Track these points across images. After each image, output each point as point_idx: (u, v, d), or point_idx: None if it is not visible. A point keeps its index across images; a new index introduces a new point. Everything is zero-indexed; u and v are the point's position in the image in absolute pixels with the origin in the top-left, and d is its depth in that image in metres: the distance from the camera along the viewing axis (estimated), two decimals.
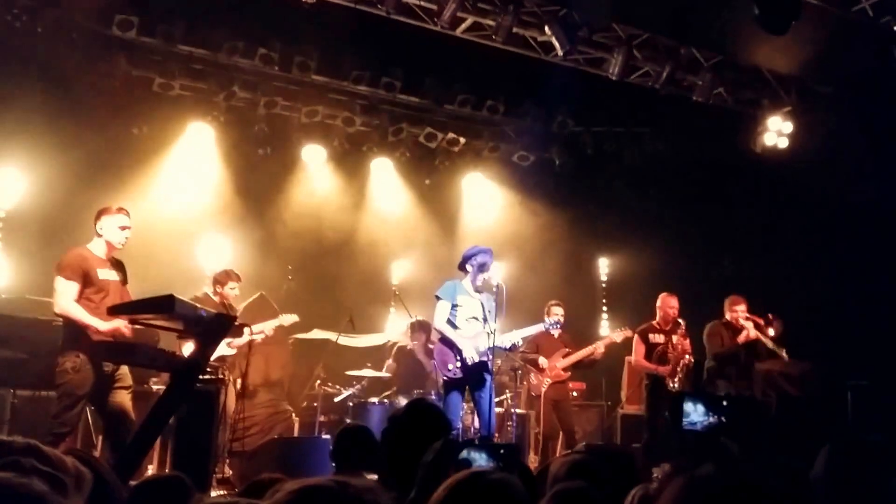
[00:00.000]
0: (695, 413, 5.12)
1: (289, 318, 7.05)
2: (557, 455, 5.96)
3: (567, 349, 7.64)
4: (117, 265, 5.27)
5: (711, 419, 5.07)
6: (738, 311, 7.22)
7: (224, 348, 6.51)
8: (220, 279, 6.81)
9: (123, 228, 5.16)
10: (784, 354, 7.07)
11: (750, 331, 7.07)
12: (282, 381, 7.90)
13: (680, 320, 7.30)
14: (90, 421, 5.67)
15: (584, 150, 9.63)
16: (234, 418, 6.65)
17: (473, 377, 6.09)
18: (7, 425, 5.76)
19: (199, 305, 4.98)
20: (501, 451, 2.64)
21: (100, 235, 5.13)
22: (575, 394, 8.36)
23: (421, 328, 7.90)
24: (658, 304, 7.45)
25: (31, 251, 7.07)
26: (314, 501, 1.13)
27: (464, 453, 2.59)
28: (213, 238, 8.35)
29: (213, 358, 6.40)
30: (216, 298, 6.67)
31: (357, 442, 3.80)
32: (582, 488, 2.28)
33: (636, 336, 7.42)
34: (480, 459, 2.60)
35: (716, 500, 1.20)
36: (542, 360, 7.52)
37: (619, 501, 2.27)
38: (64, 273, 4.96)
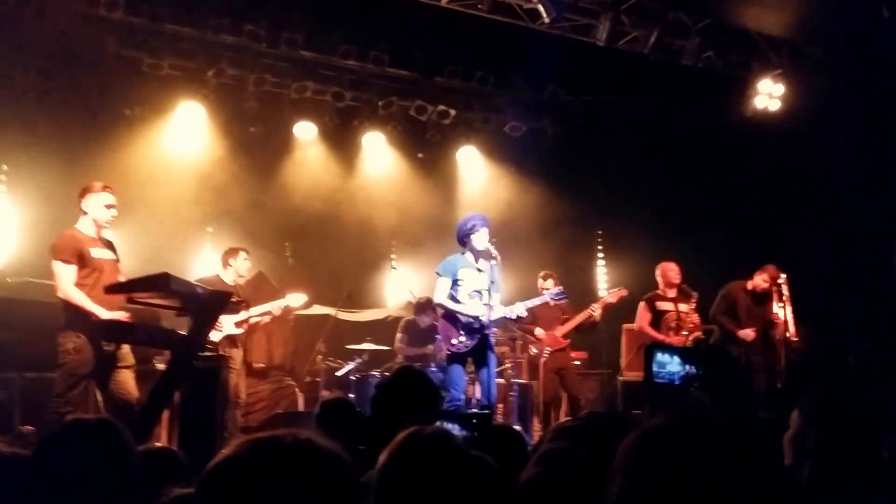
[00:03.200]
0: (671, 364, 5.18)
1: (297, 299, 6.96)
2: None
3: (565, 316, 7.66)
4: (109, 244, 5.28)
5: (689, 369, 5.13)
6: (761, 279, 7.18)
7: (231, 327, 6.57)
8: (230, 254, 6.82)
9: (109, 207, 5.16)
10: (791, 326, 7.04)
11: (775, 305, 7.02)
12: (284, 357, 7.96)
13: (693, 293, 7.29)
14: (98, 400, 5.73)
15: (575, 119, 9.64)
16: (243, 397, 6.74)
17: (475, 352, 6.09)
18: (17, 407, 5.83)
19: (194, 282, 5.06)
20: (474, 419, 2.67)
21: (85, 213, 5.13)
22: (577, 362, 8.41)
23: (423, 308, 7.84)
24: (658, 272, 7.44)
25: (30, 234, 7.09)
26: (261, 450, 1.16)
27: (436, 425, 2.62)
28: (209, 218, 8.38)
29: (220, 337, 6.53)
30: (229, 278, 6.70)
31: (339, 414, 3.80)
32: (566, 448, 2.33)
33: (642, 303, 7.40)
34: (453, 430, 2.65)
35: (664, 450, 1.17)
36: (539, 331, 7.52)
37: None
38: (60, 256, 4.98)
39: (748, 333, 7.14)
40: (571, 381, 7.67)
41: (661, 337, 7.18)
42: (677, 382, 4.67)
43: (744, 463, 1.15)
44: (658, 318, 7.28)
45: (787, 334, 7.01)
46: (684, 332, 7.17)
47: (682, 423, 1.20)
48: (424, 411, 2.83)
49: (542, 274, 7.68)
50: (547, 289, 7.39)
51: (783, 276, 7.07)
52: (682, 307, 7.27)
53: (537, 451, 2.29)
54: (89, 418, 1.88)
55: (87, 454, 1.91)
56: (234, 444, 1.20)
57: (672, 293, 7.34)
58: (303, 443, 1.18)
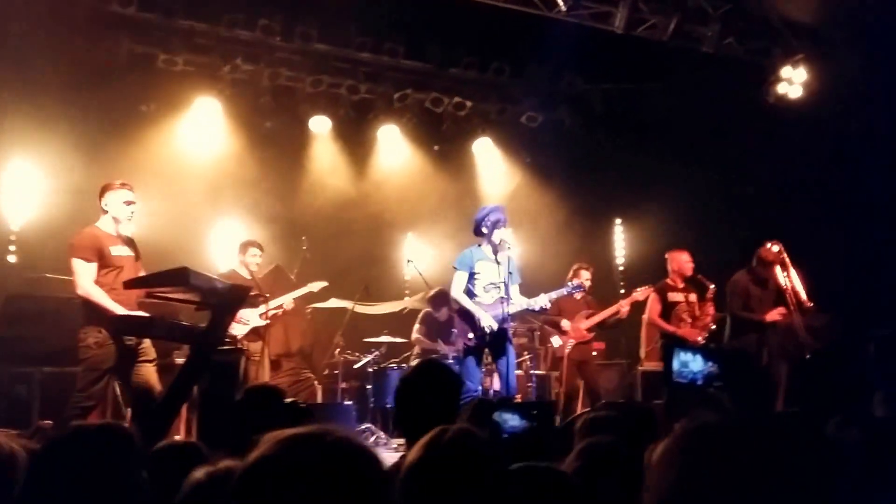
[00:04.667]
0: (693, 363, 5.08)
1: (318, 285, 7.11)
2: (579, 413, 5.98)
3: (590, 310, 7.62)
4: (129, 242, 5.27)
5: (711, 369, 5.02)
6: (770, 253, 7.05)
7: (257, 319, 6.62)
8: (240, 249, 6.89)
9: (128, 203, 5.15)
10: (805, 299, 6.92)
11: (779, 277, 6.88)
12: (302, 350, 7.98)
13: (709, 284, 7.18)
14: (119, 394, 5.76)
15: (593, 108, 9.54)
16: None
17: (494, 344, 6.05)
18: (37, 402, 5.87)
19: (213, 276, 5.05)
20: (534, 410, 2.64)
21: (105, 212, 5.13)
22: (595, 353, 8.37)
23: (438, 301, 7.83)
24: (669, 261, 7.35)
25: (48, 231, 7.13)
26: (299, 449, 1.15)
27: (495, 415, 2.60)
28: (226, 212, 8.41)
29: (247, 330, 6.58)
30: (245, 272, 6.75)
31: (263, 402, 3.64)
32: (610, 442, 2.30)
33: (653, 293, 7.33)
34: (513, 420, 2.62)
35: (716, 445, 1.16)
36: (565, 323, 7.49)
37: (640, 456, 2.28)
38: (80, 254, 4.97)
39: (774, 315, 6.97)
40: (591, 372, 7.64)
41: (671, 328, 7.11)
42: (700, 382, 4.59)
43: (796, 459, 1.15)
44: (669, 309, 7.21)
45: (800, 301, 6.85)
46: (698, 324, 7.09)
47: (731, 420, 1.22)
48: (483, 401, 2.80)
49: (577, 266, 7.59)
50: (586, 279, 7.34)
51: (777, 245, 6.92)
52: (692, 298, 7.19)
53: (580, 444, 2.30)
54: (90, 425, 1.81)
55: (87, 463, 1.84)
56: (272, 442, 1.18)
57: (682, 283, 7.26)
58: (343, 440, 1.17)
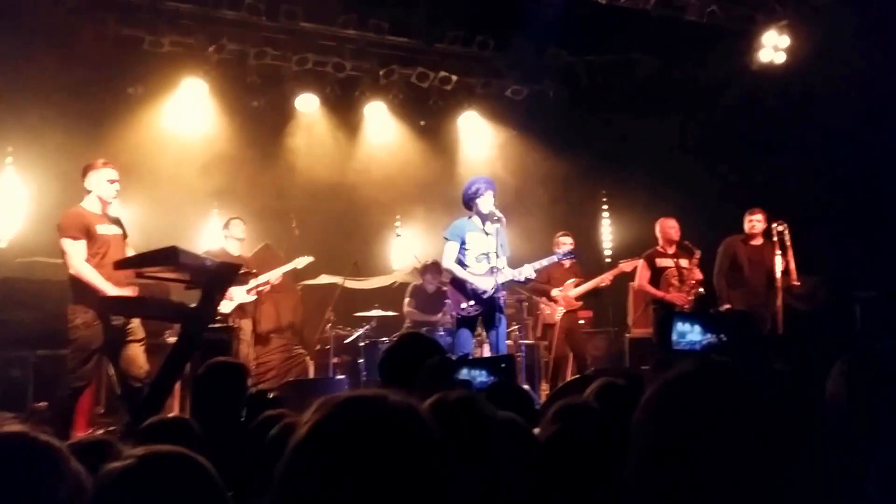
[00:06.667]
0: (692, 333, 5.09)
1: (304, 260, 7.23)
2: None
3: (578, 279, 7.73)
4: (116, 221, 5.34)
5: (711, 338, 5.02)
6: (752, 221, 7.22)
7: (243, 295, 6.72)
8: (224, 225, 7.01)
9: (112, 182, 5.20)
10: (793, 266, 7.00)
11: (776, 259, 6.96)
12: (293, 326, 8.10)
13: (695, 249, 7.29)
14: (111, 374, 5.86)
15: (577, 79, 9.56)
16: (253, 366, 6.88)
17: (485, 314, 6.14)
18: (31, 384, 5.94)
19: (202, 255, 5.13)
20: (502, 364, 2.68)
21: (89, 191, 5.19)
22: (582, 321, 8.49)
23: (428, 270, 7.97)
24: (657, 228, 7.45)
25: (37, 214, 7.19)
26: (357, 414, 1.14)
27: (463, 373, 2.59)
28: (215, 193, 8.47)
29: (233, 306, 6.68)
30: (233, 249, 6.85)
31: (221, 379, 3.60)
32: (582, 403, 2.36)
33: (642, 261, 7.42)
34: (481, 376, 2.67)
35: (694, 392, 1.08)
36: (555, 291, 7.61)
37: (628, 419, 2.32)
38: (68, 233, 5.03)
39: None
40: (578, 340, 7.77)
41: (660, 294, 7.21)
42: (700, 350, 4.59)
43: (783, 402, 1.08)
44: (658, 275, 7.29)
45: (792, 282, 6.97)
46: (678, 288, 7.17)
47: (713, 364, 1.12)
48: (445, 360, 2.82)
49: (559, 234, 7.73)
50: (566, 245, 7.47)
51: (783, 226, 6.98)
52: (683, 263, 7.28)
53: (551, 408, 2.31)
54: (165, 451, 1.52)
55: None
56: (327, 405, 1.15)
57: (671, 249, 7.35)
58: (404, 404, 1.16)
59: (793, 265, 6.98)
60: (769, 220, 7.14)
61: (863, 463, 1.55)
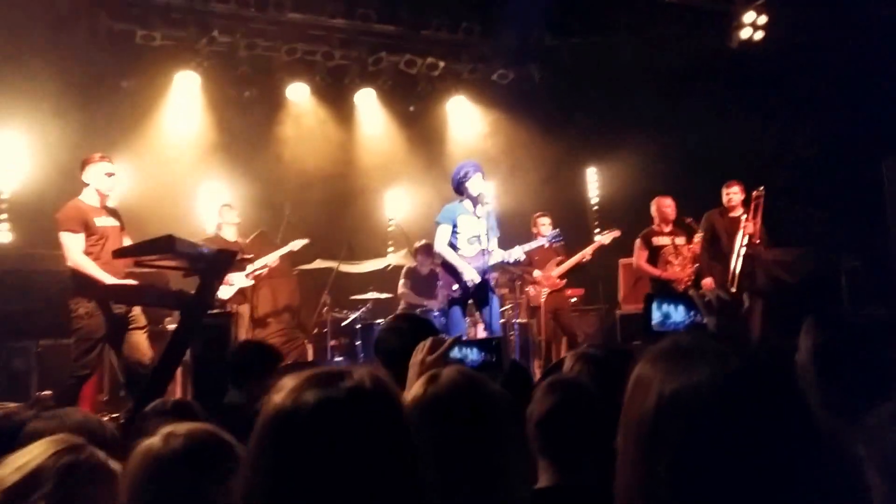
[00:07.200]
0: (676, 314, 5.26)
1: (299, 242, 7.37)
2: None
3: (560, 258, 7.84)
4: (113, 213, 5.46)
5: (696, 318, 5.20)
6: (730, 194, 7.23)
7: (242, 280, 6.89)
8: (217, 214, 7.16)
9: (109, 175, 5.32)
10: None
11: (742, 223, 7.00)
12: (290, 310, 8.26)
13: (697, 228, 7.32)
14: (112, 362, 6.03)
15: (562, 62, 9.69)
16: None
17: (477, 295, 6.27)
18: (35, 374, 6.09)
19: (199, 243, 5.29)
20: (493, 342, 2.78)
21: (87, 185, 5.31)
22: (574, 300, 8.64)
23: (420, 252, 8.12)
24: (653, 207, 7.49)
25: (35, 207, 7.33)
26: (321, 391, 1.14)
27: (455, 351, 2.70)
28: (209, 183, 8.64)
29: (232, 292, 6.85)
30: (229, 236, 7.02)
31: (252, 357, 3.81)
32: (573, 378, 2.44)
33: (638, 240, 7.46)
34: (472, 354, 2.80)
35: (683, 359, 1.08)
36: (537, 272, 7.75)
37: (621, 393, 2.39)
38: (66, 227, 5.13)
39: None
40: (567, 319, 7.91)
41: (657, 272, 7.26)
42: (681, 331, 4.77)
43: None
44: (655, 254, 7.34)
45: (753, 242, 6.96)
46: (675, 267, 7.28)
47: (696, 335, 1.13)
48: (437, 339, 2.88)
49: (536, 214, 7.85)
50: (543, 226, 7.60)
51: (758, 192, 6.98)
52: (679, 241, 7.34)
53: (547, 380, 2.37)
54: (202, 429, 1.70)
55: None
56: (297, 381, 1.15)
57: (668, 228, 7.39)
58: (379, 381, 1.17)
59: (757, 228, 6.96)
60: (747, 192, 7.14)
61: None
